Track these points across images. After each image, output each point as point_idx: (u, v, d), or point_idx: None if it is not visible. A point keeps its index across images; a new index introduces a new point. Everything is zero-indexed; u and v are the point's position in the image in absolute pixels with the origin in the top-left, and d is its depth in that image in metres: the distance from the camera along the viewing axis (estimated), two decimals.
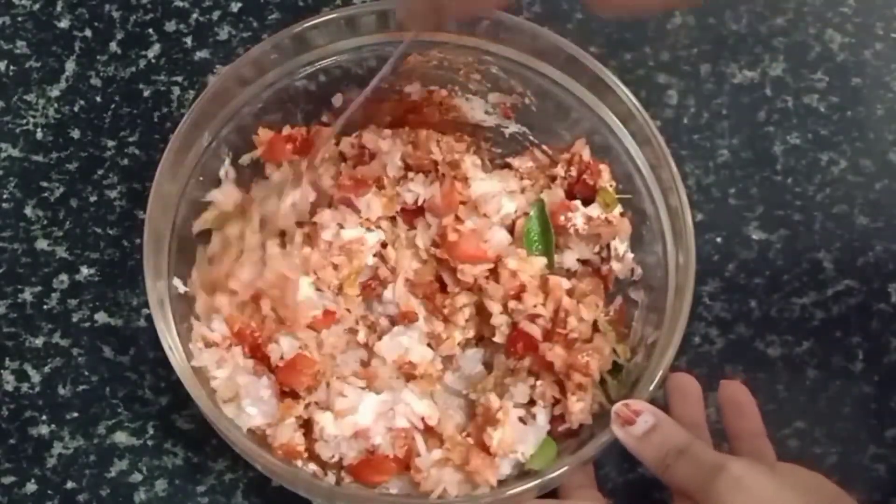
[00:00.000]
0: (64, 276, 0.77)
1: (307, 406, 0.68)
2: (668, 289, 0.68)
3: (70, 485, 0.72)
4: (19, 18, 0.84)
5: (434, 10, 0.62)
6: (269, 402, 0.68)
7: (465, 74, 0.74)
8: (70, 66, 0.83)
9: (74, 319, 0.76)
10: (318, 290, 0.71)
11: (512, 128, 0.76)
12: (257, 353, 0.70)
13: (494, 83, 0.74)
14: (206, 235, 0.73)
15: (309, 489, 0.66)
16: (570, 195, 0.74)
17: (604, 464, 0.71)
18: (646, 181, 0.71)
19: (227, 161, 0.73)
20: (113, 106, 0.81)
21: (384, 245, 0.73)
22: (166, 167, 0.68)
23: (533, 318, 0.70)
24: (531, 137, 0.76)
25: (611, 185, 0.73)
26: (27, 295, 0.76)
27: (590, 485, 0.68)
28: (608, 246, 0.73)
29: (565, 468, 0.63)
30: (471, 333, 0.72)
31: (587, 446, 0.64)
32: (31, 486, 0.72)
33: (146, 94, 0.82)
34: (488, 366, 0.72)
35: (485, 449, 0.67)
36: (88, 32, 0.84)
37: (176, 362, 0.65)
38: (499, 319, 0.71)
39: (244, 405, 0.68)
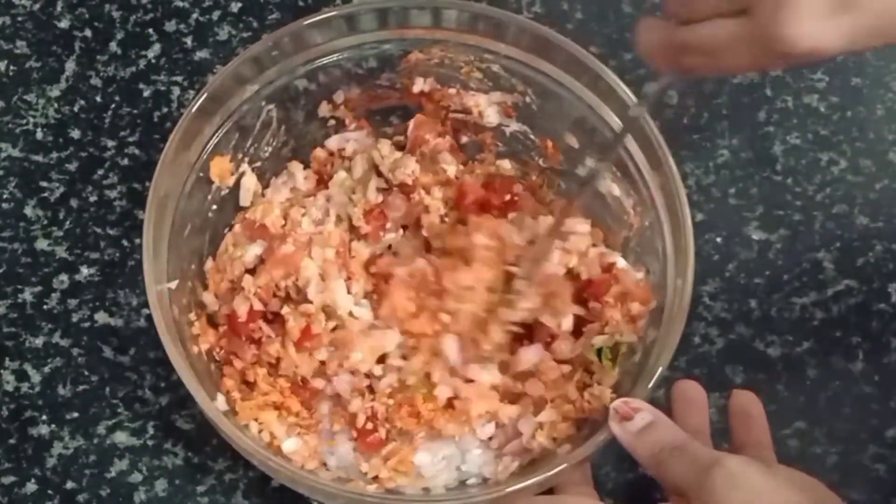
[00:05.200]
0: (64, 276, 0.77)
1: None
2: (667, 288, 0.68)
3: (70, 485, 0.72)
4: (19, 18, 0.84)
5: (672, 52, 0.56)
6: None
7: (467, 73, 0.74)
8: (70, 66, 0.83)
9: (74, 319, 0.76)
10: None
11: (513, 126, 0.76)
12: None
13: (496, 82, 0.74)
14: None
15: (310, 489, 0.66)
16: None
17: (603, 464, 0.71)
18: (646, 181, 0.71)
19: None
20: (113, 106, 0.81)
21: None
22: (166, 165, 0.68)
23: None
24: (531, 136, 0.76)
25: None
26: (27, 295, 0.76)
27: (586, 482, 0.68)
28: None
29: (563, 466, 0.63)
30: None
31: (585, 445, 0.64)
32: (31, 486, 0.72)
33: (146, 94, 0.82)
34: None
35: None
36: (88, 32, 0.84)
37: (173, 354, 0.65)
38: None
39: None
